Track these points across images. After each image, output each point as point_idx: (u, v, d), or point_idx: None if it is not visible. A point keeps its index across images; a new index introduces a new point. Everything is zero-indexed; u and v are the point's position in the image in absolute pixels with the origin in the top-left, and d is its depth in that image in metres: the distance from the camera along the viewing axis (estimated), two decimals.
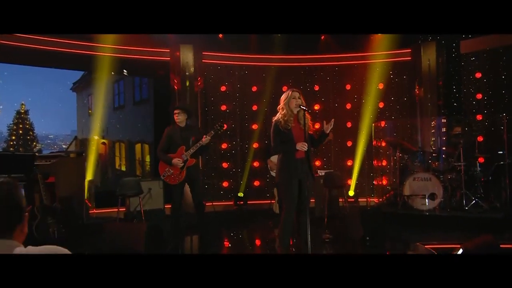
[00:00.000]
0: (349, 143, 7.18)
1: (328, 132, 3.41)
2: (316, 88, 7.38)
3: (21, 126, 6.85)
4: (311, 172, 3.36)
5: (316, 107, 7.34)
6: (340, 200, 6.13)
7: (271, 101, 7.36)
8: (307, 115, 3.32)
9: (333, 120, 3.40)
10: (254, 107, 7.38)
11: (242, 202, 6.85)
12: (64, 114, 6.55)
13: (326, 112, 7.26)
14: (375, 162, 6.83)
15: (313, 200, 6.13)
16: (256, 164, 7.28)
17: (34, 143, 7.00)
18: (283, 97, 3.40)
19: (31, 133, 6.88)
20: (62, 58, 6.46)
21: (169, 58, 7.03)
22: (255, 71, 7.33)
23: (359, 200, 6.86)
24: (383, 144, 6.80)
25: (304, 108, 3.27)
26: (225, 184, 7.20)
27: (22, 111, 7.00)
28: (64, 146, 6.97)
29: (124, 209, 5.58)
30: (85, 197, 5.34)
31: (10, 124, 6.87)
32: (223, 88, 7.34)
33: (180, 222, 4.30)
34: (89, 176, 6.11)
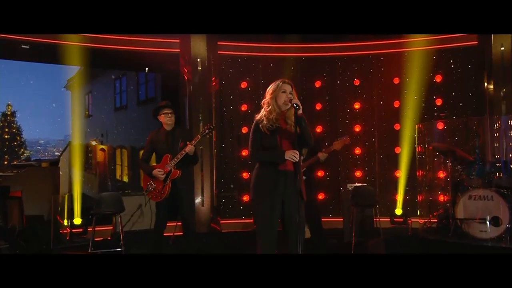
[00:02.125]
0: (397, 150, 6.34)
1: (299, 112, 2.78)
2: (356, 82, 6.85)
3: (7, 130, 6.33)
4: (299, 189, 2.79)
5: (356, 105, 6.80)
6: (374, 220, 5.58)
7: (301, 99, 6.82)
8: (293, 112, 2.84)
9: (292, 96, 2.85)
10: None
11: None
12: (56, 116, 6.14)
13: (368, 112, 6.77)
14: (418, 173, 6.25)
15: (341, 220, 5.76)
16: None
17: (22, 150, 6.52)
18: (270, 89, 2.95)
19: (18, 138, 6.42)
20: (54, 51, 6.19)
21: (178, 50, 6.67)
22: (282, 63, 6.86)
23: (408, 220, 6.26)
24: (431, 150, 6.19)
25: (296, 106, 2.76)
26: (245, 198, 6.72)
27: (8, 113, 6.44)
28: (57, 153, 6.46)
29: (112, 227, 5.30)
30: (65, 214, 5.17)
31: None
32: (243, 85, 6.91)
33: (162, 248, 3.96)
34: (77, 188, 5.85)
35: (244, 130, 6.71)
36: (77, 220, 5.60)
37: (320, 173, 6.80)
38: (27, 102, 6.30)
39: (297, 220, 2.70)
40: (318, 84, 6.89)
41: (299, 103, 2.81)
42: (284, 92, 2.90)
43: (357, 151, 6.77)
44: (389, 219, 6.40)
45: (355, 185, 5.80)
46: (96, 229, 4.80)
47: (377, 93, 6.75)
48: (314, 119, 6.80)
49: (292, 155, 2.75)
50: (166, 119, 3.99)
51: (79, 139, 6.33)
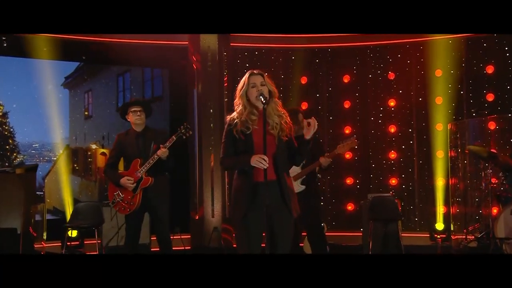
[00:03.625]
0: (439, 154, 5.90)
1: (308, 137, 2.58)
2: (391, 76, 6.38)
3: None
4: (286, 202, 2.57)
5: (391, 102, 6.41)
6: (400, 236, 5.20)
7: (327, 96, 6.33)
8: (278, 110, 2.62)
9: (313, 120, 2.57)
10: (304, 105, 6.56)
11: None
12: (53, 117, 5.80)
13: (405, 110, 6.30)
14: (451, 181, 5.90)
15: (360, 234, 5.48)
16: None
17: (15, 154, 6.25)
18: (239, 85, 2.70)
19: (11, 141, 6.18)
20: (50, 45, 6.00)
21: (187, 42, 6.39)
22: (305, 55, 6.50)
23: (452, 237, 5.85)
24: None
25: (263, 100, 2.50)
26: None
27: (0, 114, 6.13)
28: (53, 158, 6.16)
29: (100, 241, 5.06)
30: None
31: None
32: None
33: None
34: (67, 196, 5.80)
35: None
36: (73, 233, 5.38)
37: (349, 181, 6.33)
38: (20, 102, 5.99)
39: (285, 240, 2.52)
40: (346, 78, 6.41)
41: (266, 94, 2.53)
42: (254, 86, 2.61)
43: (392, 155, 6.31)
44: (428, 235, 5.83)
45: (374, 195, 5.46)
46: (86, 242, 4.64)
47: (415, 88, 6.27)
48: (342, 119, 6.47)
49: (259, 161, 2.45)
50: (135, 118, 3.70)
51: (77, 142, 6.25)
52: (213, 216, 5.74)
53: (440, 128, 6.05)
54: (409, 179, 6.26)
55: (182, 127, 3.70)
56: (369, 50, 6.38)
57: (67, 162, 6.47)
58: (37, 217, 5.17)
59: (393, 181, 6.25)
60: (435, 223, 5.98)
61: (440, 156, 6.07)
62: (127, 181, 3.59)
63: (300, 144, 2.64)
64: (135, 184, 3.60)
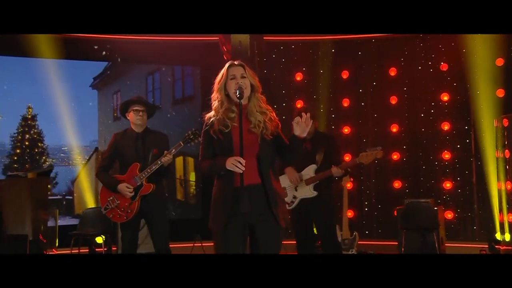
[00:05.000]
0: (506, 153, 5.39)
1: (303, 136, 2.35)
2: (444, 67, 5.91)
3: (27, 136, 6.03)
4: (272, 209, 2.37)
5: (445, 97, 6.08)
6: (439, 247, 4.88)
7: (371, 92, 5.93)
8: (260, 106, 2.45)
9: (308, 115, 2.31)
10: (345, 102, 6.22)
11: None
12: (82, 118, 5.80)
13: (461, 105, 5.83)
14: (499, 185, 5.41)
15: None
16: (350, 185, 6.02)
17: (44, 158, 6.20)
18: (217, 77, 2.52)
19: (40, 144, 6.12)
20: (78, 46, 6.04)
21: (217, 38, 6.21)
22: (347, 47, 6.19)
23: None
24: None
25: (237, 95, 2.33)
26: None
27: (29, 116, 6.15)
28: (82, 161, 6.14)
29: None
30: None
31: (14, 133, 6.10)
32: (298, 76, 6.33)
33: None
34: (89, 201, 5.69)
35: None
36: (99, 239, 5.28)
37: (397, 184, 6.01)
38: (49, 104, 5.97)
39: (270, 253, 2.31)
40: (393, 71, 6.02)
41: (246, 87, 2.36)
42: (233, 78, 2.42)
43: (446, 155, 5.89)
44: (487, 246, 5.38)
45: (410, 200, 5.16)
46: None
47: (473, 79, 5.75)
48: (387, 116, 6.07)
49: (234, 164, 2.27)
50: (136, 117, 3.53)
51: (106, 144, 5.88)
52: None
53: (507, 123, 5.48)
54: (466, 182, 5.79)
55: (190, 132, 3.51)
56: (418, 39, 5.94)
57: (96, 165, 6.36)
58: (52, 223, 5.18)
59: (448, 185, 5.79)
60: (496, 232, 5.44)
61: (501, 156, 5.53)
62: (126, 189, 3.42)
63: (290, 141, 2.40)
64: (134, 192, 3.44)
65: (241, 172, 2.26)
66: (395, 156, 5.92)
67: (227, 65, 2.47)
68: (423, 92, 5.93)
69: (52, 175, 5.52)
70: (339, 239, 4.28)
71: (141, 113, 3.53)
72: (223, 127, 2.41)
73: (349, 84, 6.17)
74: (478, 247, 5.36)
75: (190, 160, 7.43)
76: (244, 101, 2.41)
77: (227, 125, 2.40)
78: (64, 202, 6.93)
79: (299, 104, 6.21)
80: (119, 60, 6.57)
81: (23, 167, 5.97)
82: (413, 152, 5.93)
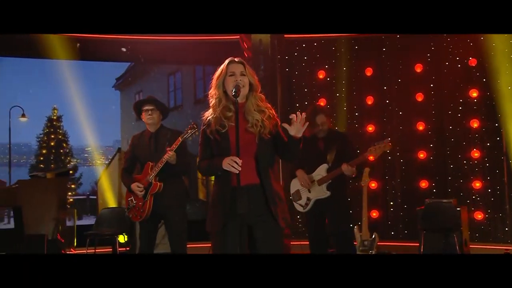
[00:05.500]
0: None
1: (299, 136, 2.29)
2: (473, 62, 5.69)
3: (52, 136, 6.15)
4: (271, 209, 2.35)
5: (473, 93, 6.05)
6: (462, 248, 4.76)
7: (396, 89, 5.81)
8: (259, 105, 2.41)
9: (303, 115, 2.26)
10: (369, 100, 6.10)
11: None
12: (105, 119, 5.83)
13: (490, 101, 5.58)
14: None
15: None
16: (374, 185, 5.97)
17: (69, 158, 6.28)
18: (215, 73, 2.47)
19: (64, 145, 6.19)
20: (99, 47, 6.12)
21: (238, 36, 6.18)
22: (371, 43, 6.04)
23: None
24: None
25: (233, 93, 2.29)
26: None
27: (54, 118, 6.25)
28: (105, 162, 6.22)
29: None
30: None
31: (40, 134, 6.21)
32: (321, 74, 6.23)
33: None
34: (110, 201, 5.79)
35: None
36: (121, 238, 5.34)
37: (424, 184, 5.84)
38: (73, 105, 6.08)
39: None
40: (419, 68, 5.88)
41: (244, 85, 2.32)
42: (232, 75, 2.38)
43: (475, 154, 5.73)
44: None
45: (431, 200, 5.01)
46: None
47: (503, 74, 5.54)
48: (413, 113, 5.92)
49: (230, 164, 2.24)
50: (147, 117, 3.57)
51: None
52: None
53: None
54: (497, 182, 5.57)
55: (189, 127, 3.48)
56: (445, 34, 5.74)
57: (119, 166, 6.50)
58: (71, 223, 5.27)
59: (477, 184, 5.60)
60: None
61: None
62: (137, 188, 3.47)
63: (288, 140, 2.33)
64: (144, 191, 3.47)
65: (238, 172, 2.23)
66: (422, 155, 5.78)
67: (227, 61, 2.43)
68: (450, 89, 5.75)
69: (76, 175, 5.66)
70: (358, 240, 4.18)
71: (150, 112, 3.56)
72: (219, 127, 2.38)
73: (373, 81, 6.05)
74: (509, 248, 5.19)
75: None
76: (241, 100, 2.38)
77: (224, 124, 2.38)
78: (88, 202, 7.06)
79: (322, 103, 6.12)
80: (142, 60, 6.64)
81: (49, 167, 6.11)
82: (440, 150, 5.77)
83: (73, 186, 6.19)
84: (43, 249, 4.33)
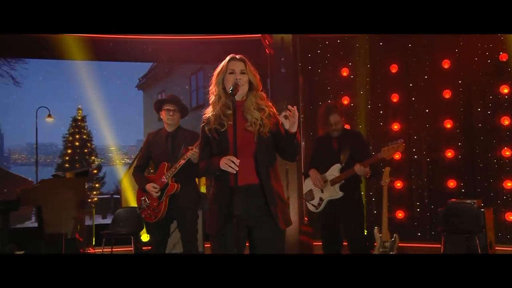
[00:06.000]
0: None
1: (294, 131, 2.29)
2: (503, 57, 5.48)
3: (77, 136, 6.28)
4: (271, 211, 2.30)
5: (505, 89, 5.87)
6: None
7: (422, 86, 5.73)
8: (258, 103, 2.39)
9: (295, 108, 2.25)
10: (394, 97, 5.97)
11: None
12: (128, 118, 5.90)
13: None
14: None
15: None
16: (399, 184, 5.87)
17: (93, 157, 6.40)
18: (216, 70, 2.45)
19: (88, 144, 6.29)
20: (122, 47, 6.11)
21: (259, 35, 6.09)
22: (396, 40, 5.89)
23: None
24: None
25: (229, 91, 2.27)
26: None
27: (79, 118, 6.37)
28: (128, 161, 6.31)
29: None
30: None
31: (66, 134, 6.35)
32: (344, 72, 6.14)
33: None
34: (133, 200, 5.87)
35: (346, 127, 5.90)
36: (145, 237, 5.37)
37: (452, 183, 5.70)
38: (97, 105, 6.17)
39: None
40: (446, 63, 5.74)
41: (243, 83, 2.30)
42: (232, 73, 2.36)
43: (506, 152, 5.60)
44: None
45: (453, 201, 4.86)
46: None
47: None
48: (441, 111, 5.76)
49: (227, 164, 2.20)
50: (168, 117, 3.54)
51: None
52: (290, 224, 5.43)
53: None
54: None
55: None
56: (475, 33, 5.58)
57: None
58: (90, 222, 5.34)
59: (508, 184, 5.42)
60: None
61: None
62: (153, 189, 3.45)
63: (286, 137, 2.30)
64: (160, 192, 3.45)
65: (235, 172, 2.18)
66: (450, 154, 5.62)
67: (227, 58, 2.41)
68: (480, 85, 5.57)
69: (100, 174, 5.76)
70: (378, 241, 4.08)
71: (171, 113, 3.54)
72: (219, 126, 2.36)
73: (398, 78, 5.91)
74: None
75: None
76: (241, 98, 2.36)
77: (223, 123, 2.35)
78: (112, 201, 7.15)
79: (346, 101, 6.05)
80: (166, 60, 6.68)
81: (74, 166, 6.25)
82: (469, 149, 5.60)
83: (97, 185, 6.29)
84: (61, 248, 4.41)
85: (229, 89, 2.29)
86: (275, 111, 2.42)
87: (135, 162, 3.84)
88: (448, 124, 5.65)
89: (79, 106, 6.43)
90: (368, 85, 5.99)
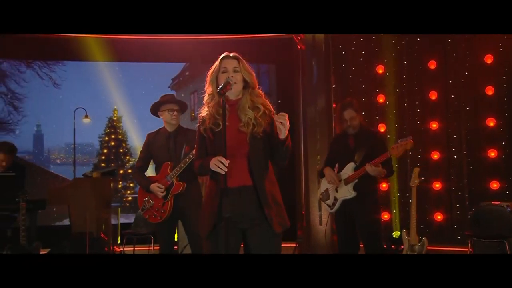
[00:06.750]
0: None
1: (284, 138, 2.23)
2: None
3: (113, 137, 6.44)
4: (264, 213, 2.25)
5: None
6: None
7: (463, 82, 5.64)
8: (253, 101, 2.33)
9: (286, 116, 2.19)
10: (433, 95, 5.77)
11: (394, 247, 5.40)
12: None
13: None
14: None
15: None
16: (438, 185, 5.67)
17: (128, 157, 6.53)
18: (209, 70, 2.42)
19: (124, 144, 6.44)
20: (157, 48, 6.23)
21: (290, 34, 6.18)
22: (435, 35, 5.67)
23: None
24: None
25: (217, 89, 2.22)
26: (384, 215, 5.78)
27: (115, 118, 6.54)
28: None
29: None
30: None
31: (102, 134, 6.53)
32: (380, 69, 6.01)
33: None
34: None
35: (381, 127, 5.79)
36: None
37: (495, 185, 5.51)
38: (131, 106, 6.32)
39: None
40: (489, 58, 5.54)
41: (236, 81, 2.26)
42: (225, 71, 2.32)
43: None
44: None
45: (482, 204, 4.66)
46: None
47: None
48: (483, 109, 5.54)
49: (216, 164, 2.17)
50: (171, 117, 3.53)
51: None
52: (320, 224, 5.43)
53: None
54: None
55: None
56: None
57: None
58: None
59: None
60: None
61: None
62: (158, 189, 3.44)
63: (277, 140, 2.25)
64: (165, 192, 3.44)
65: (224, 173, 2.14)
66: (492, 154, 5.39)
67: (221, 56, 2.37)
68: None
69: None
70: (406, 244, 3.93)
71: (175, 113, 3.54)
72: (214, 126, 2.32)
73: (437, 74, 5.71)
74: None
75: None
76: (236, 97, 2.32)
77: (218, 123, 2.30)
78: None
79: (381, 99, 5.92)
80: (199, 61, 6.74)
81: (109, 166, 6.44)
82: None
83: (131, 184, 6.45)
84: (85, 247, 4.51)
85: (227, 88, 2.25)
86: (271, 108, 2.37)
87: (136, 163, 3.82)
88: (491, 123, 5.42)
89: (115, 107, 6.63)
90: (404, 82, 5.86)
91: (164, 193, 3.47)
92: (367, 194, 3.74)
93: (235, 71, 2.30)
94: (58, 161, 6.88)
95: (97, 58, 6.45)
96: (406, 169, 5.67)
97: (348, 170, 3.76)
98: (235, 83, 2.27)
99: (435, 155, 5.58)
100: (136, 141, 6.53)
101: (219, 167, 2.15)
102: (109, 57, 6.50)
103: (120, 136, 6.84)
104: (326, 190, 3.92)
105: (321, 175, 4.03)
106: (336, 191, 3.83)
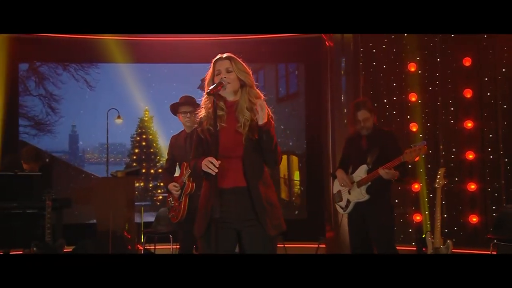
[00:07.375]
0: None
1: (263, 123, 2.23)
2: None
3: (144, 137, 6.60)
4: (258, 216, 2.24)
5: None
6: None
7: (500, 80, 5.60)
8: (251, 101, 2.31)
9: (261, 100, 2.25)
10: (467, 93, 5.63)
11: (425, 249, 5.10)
12: None
13: None
14: None
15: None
16: (473, 186, 5.57)
17: (158, 158, 6.69)
18: (207, 73, 2.41)
19: (154, 144, 6.60)
20: (186, 49, 6.39)
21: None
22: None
23: None
24: None
25: (207, 89, 2.24)
26: (417, 216, 5.76)
27: (146, 118, 6.72)
28: None
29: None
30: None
31: (133, 134, 6.72)
32: (412, 67, 5.89)
33: None
34: None
35: (413, 126, 5.62)
36: None
37: None
38: (161, 106, 6.45)
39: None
40: None
41: (230, 81, 2.24)
42: (219, 74, 2.31)
43: None
44: None
45: (507, 206, 4.60)
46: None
47: None
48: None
49: (207, 165, 2.17)
50: (185, 119, 3.60)
51: None
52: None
53: None
54: None
55: None
56: None
57: None
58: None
59: None
60: None
61: None
62: (173, 187, 3.52)
63: (259, 132, 2.24)
64: (180, 191, 3.50)
65: (214, 173, 2.15)
66: None
67: (214, 59, 2.36)
68: None
69: None
70: (430, 247, 3.83)
71: (188, 115, 3.58)
72: (210, 127, 2.30)
73: (472, 72, 5.58)
74: None
75: (295, 159, 7.43)
76: (234, 98, 2.32)
77: (215, 124, 2.28)
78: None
79: (413, 98, 5.81)
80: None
81: (141, 165, 6.63)
82: None
83: (162, 184, 6.55)
84: (108, 246, 4.61)
85: (222, 89, 2.25)
86: (270, 112, 2.34)
87: (164, 164, 3.95)
88: None
89: (146, 107, 6.76)
90: (438, 80, 5.73)
91: (179, 193, 3.54)
92: (380, 197, 3.68)
93: (228, 72, 2.29)
94: (92, 161, 7.12)
95: (128, 60, 6.64)
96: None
97: (361, 172, 3.71)
98: (228, 83, 2.27)
99: (470, 155, 5.43)
100: (166, 141, 6.68)
101: (209, 168, 2.16)
102: (140, 59, 6.70)
103: (151, 136, 7.00)
104: (339, 191, 3.89)
105: (333, 177, 4.01)
106: (349, 193, 3.79)
